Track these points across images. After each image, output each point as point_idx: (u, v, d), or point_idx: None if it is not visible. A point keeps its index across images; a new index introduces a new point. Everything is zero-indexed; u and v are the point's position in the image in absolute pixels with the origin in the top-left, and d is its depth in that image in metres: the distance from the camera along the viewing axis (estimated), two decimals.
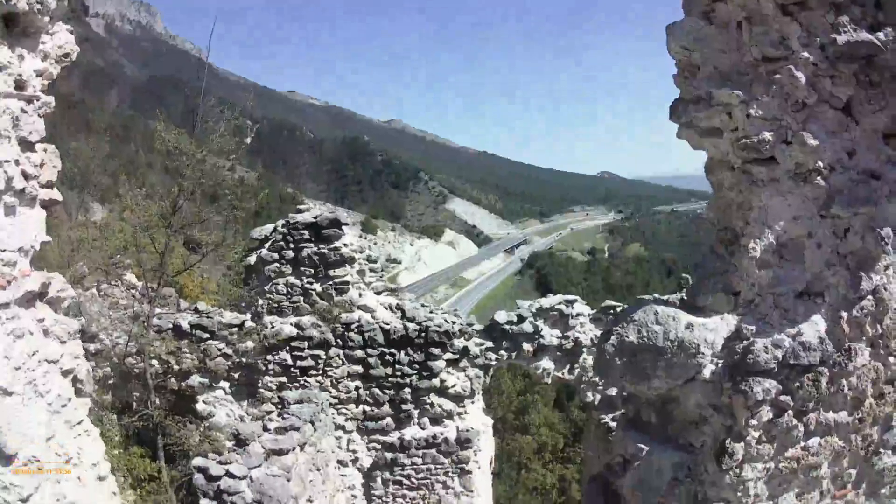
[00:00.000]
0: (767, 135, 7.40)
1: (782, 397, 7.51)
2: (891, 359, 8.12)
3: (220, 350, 21.89)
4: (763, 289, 7.67)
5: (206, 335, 21.95)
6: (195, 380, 21.98)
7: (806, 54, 7.47)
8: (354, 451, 22.47)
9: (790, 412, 7.60)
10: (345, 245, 21.91)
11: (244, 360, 21.96)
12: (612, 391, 19.82)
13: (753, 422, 7.46)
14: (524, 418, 44.43)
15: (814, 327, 7.57)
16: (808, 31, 7.52)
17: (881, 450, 8.68)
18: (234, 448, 15.90)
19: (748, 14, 7.58)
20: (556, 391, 48.72)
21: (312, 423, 17.52)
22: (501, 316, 22.77)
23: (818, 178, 7.50)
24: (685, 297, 8.41)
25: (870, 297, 7.69)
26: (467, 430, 22.12)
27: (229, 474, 15.01)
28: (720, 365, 7.59)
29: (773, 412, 7.55)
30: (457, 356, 21.98)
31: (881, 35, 7.54)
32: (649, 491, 8.11)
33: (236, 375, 22.26)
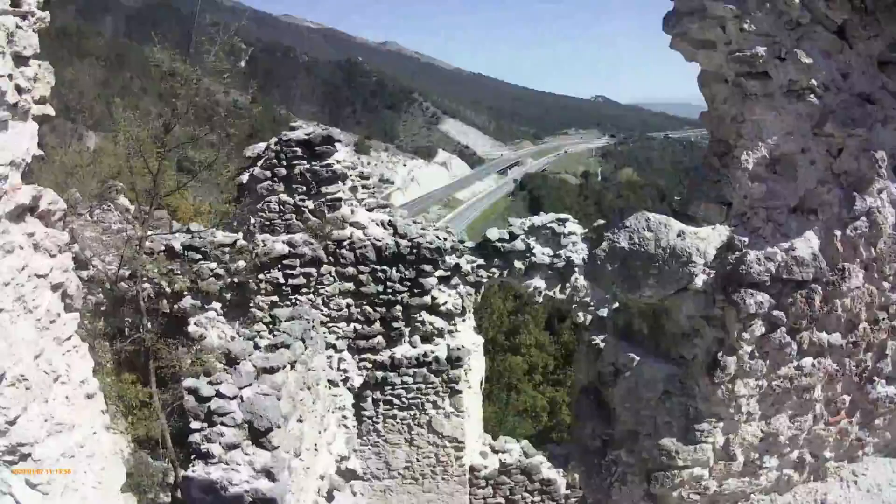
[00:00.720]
0: (761, 49, 7.29)
1: (775, 312, 7.49)
2: (885, 284, 8.09)
3: (212, 270, 21.99)
4: (755, 202, 7.62)
5: (199, 256, 22.10)
6: (187, 301, 22.14)
7: None
8: (345, 371, 22.60)
9: (783, 328, 7.59)
10: (337, 162, 21.91)
11: (236, 279, 22.06)
12: (604, 312, 19.82)
13: (746, 335, 7.45)
14: (515, 339, 44.47)
15: (807, 243, 7.54)
16: None
17: (875, 378, 8.70)
18: (226, 368, 15.90)
19: None
20: (547, 313, 48.85)
21: (303, 340, 17.55)
22: (493, 233, 22.82)
23: (811, 96, 7.40)
24: (676, 210, 8.34)
25: (864, 217, 7.63)
26: (458, 349, 22.27)
27: (220, 394, 15.05)
28: (712, 275, 7.56)
29: (766, 327, 7.54)
30: (448, 273, 22.11)
31: None
32: (639, 402, 8.12)
33: (228, 296, 22.39)
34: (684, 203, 8.17)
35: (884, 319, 8.23)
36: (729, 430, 7.99)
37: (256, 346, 16.74)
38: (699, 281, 7.53)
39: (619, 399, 8.23)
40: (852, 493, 8.91)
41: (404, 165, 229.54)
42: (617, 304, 8.99)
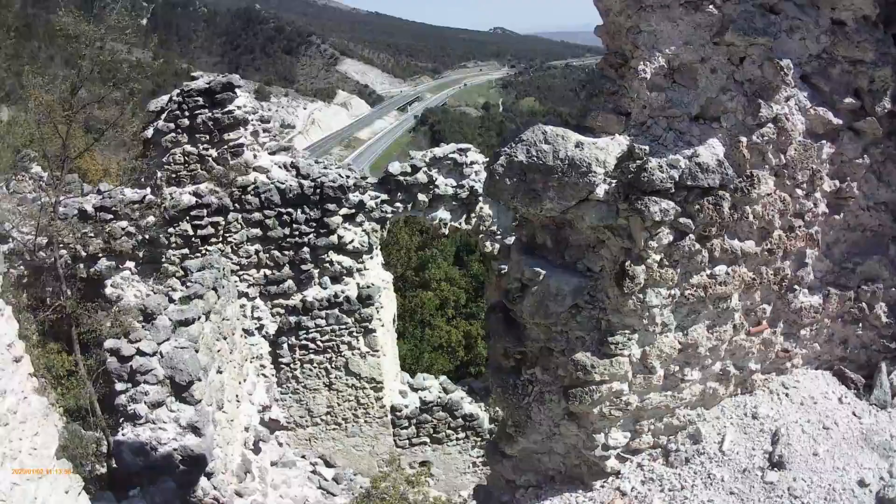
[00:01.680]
0: None
1: (682, 219, 7.46)
2: (798, 191, 8.14)
3: (123, 229, 22.00)
4: (655, 111, 7.57)
5: (110, 216, 22.10)
6: (102, 263, 22.26)
7: None
8: (259, 319, 22.66)
9: (692, 236, 7.58)
10: (238, 108, 21.87)
11: (147, 235, 21.93)
12: (510, 239, 19.92)
13: (653, 244, 7.40)
14: (424, 274, 44.47)
15: (711, 150, 7.52)
16: None
17: (796, 287, 8.73)
18: (144, 326, 15.87)
19: None
20: (455, 246, 48.91)
21: (215, 290, 17.52)
22: (395, 167, 22.81)
23: (710, 6, 7.36)
24: (575, 124, 8.26)
25: (770, 124, 7.65)
26: (368, 287, 22.42)
27: (140, 352, 15.13)
28: (613, 185, 7.47)
29: (674, 235, 7.51)
30: (353, 211, 22.21)
31: None
32: (548, 317, 8.02)
33: (141, 253, 22.30)
34: (582, 115, 8.06)
35: (800, 227, 8.31)
36: (645, 341, 7.96)
37: (171, 300, 16.70)
38: (600, 191, 7.45)
39: (528, 314, 8.11)
40: (784, 406, 8.97)
41: (304, 108, 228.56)
42: (519, 219, 8.86)
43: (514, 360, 8.78)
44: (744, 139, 7.58)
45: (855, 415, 8.99)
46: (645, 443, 8.66)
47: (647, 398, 8.29)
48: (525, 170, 7.52)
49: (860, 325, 9.43)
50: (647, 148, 7.42)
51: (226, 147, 21.94)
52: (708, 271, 7.84)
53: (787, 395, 9.11)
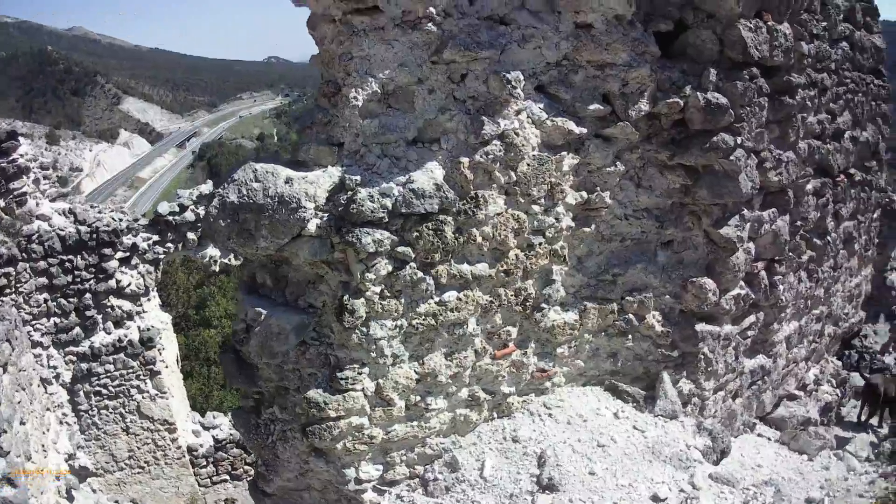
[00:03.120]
0: None
1: (400, 248, 7.32)
2: (535, 207, 8.09)
3: None
4: (369, 138, 7.37)
5: None
6: None
7: None
8: (55, 367, 22.15)
9: (413, 264, 7.44)
10: (21, 156, 21.37)
11: None
12: None
13: (370, 275, 7.25)
14: (205, 312, 44.25)
15: (428, 174, 7.37)
16: None
17: (544, 305, 8.63)
18: None
19: None
20: (235, 280, 48.92)
21: (9, 341, 17.10)
22: (163, 207, 22.48)
23: (429, 24, 7.21)
24: (289, 157, 8.09)
25: (497, 141, 7.57)
26: (148, 329, 22.06)
27: None
28: (325, 218, 7.28)
29: (393, 264, 7.37)
30: (127, 254, 21.78)
31: None
32: (273, 357, 7.82)
33: None
34: (295, 149, 7.90)
35: (541, 244, 8.25)
36: (377, 374, 7.78)
37: None
38: (312, 226, 7.28)
39: (255, 355, 7.91)
40: (549, 427, 8.89)
41: (90, 150, 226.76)
42: (241, 259, 8.64)
43: (253, 400, 8.57)
44: (465, 159, 7.47)
45: (637, 428, 9.03)
46: (401, 474, 8.46)
47: (391, 430, 8.12)
48: (237, 210, 7.33)
49: (629, 337, 9.52)
50: (358, 178, 7.25)
51: (12, 197, 21.44)
52: (436, 298, 7.71)
53: (550, 415, 9.04)
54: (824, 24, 11.76)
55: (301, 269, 7.63)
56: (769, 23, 9.59)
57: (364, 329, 7.43)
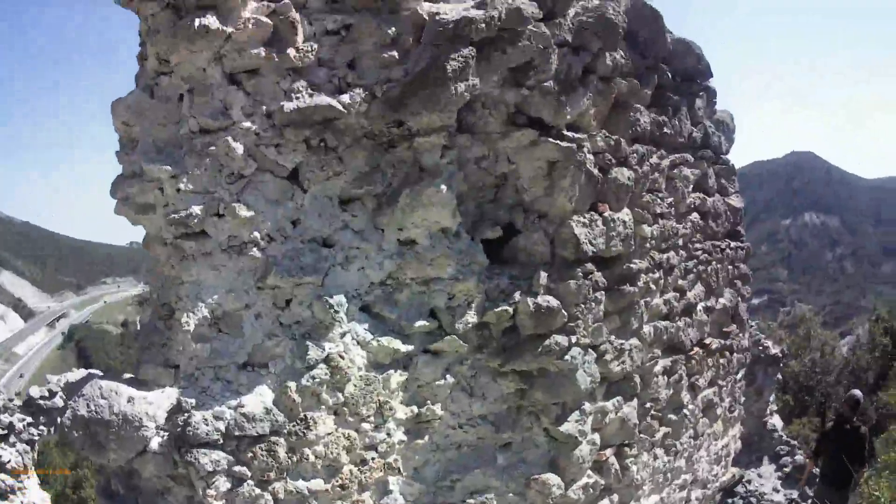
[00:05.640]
0: (196, 209, 7.18)
1: (237, 468, 7.39)
2: (365, 425, 8.18)
3: None
4: (202, 362, 7.48)
5: None
6: None
7: (248, 124, 7.30)
8: None
9: (250, 482, 7.49)
10: None
11: None
12: None
13: (211, 492, 7.28)
14: (80, 492, 43.86)
15: (258, 398, 7.50)
16: (254, 99, 7.36)
17: None
18: None
19: (192, 85, 7.29)
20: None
21: None
22: (35, 391, 22.45)
23: (254, 249, 7.41)
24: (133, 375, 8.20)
25: (323, 365, 7.69)
26: None
27: None
28: (166, 437, 7.34)
29: (232, 482, 7.42)
30: (5, 432, 21.61)
31: (346, 97, 7.55)
32: None
33: None
34: (136, 368, 7.95)
35: (374, 459, 8.31)
36: None
37: None
38: (155, 444, 7.33)
39: None
40: None
41: None
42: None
43: None
44: (293, 384, 7.57)
45: None
46: None
47: None
48: (88, 423, 7.33)
49: None
50: (193, 401, 7.33)
51: None
52: None
53: None
54: (670, 199, 11.85)
55: (150, 480, 7.65)
56: (605, 214, 9.80)
57: None
